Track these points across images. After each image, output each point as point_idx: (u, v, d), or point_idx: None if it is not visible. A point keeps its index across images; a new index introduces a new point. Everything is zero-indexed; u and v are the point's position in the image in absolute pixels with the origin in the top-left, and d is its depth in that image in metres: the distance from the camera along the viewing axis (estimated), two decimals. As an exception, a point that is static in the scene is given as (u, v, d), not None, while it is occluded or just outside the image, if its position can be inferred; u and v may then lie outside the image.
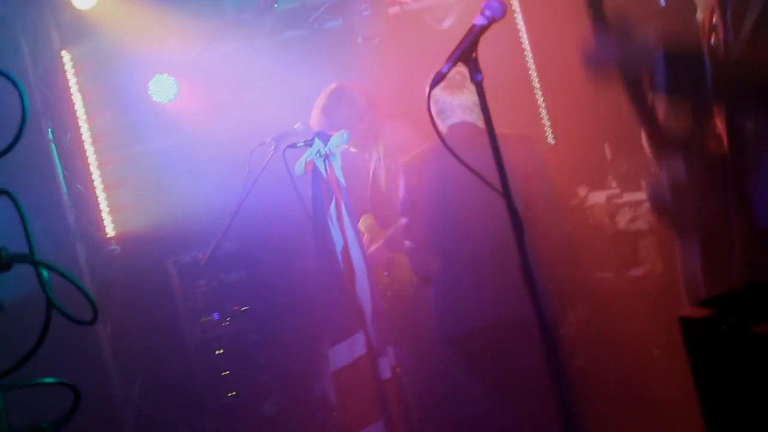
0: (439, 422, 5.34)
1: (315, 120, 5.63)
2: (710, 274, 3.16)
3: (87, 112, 6.74)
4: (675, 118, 3.30)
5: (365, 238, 5.82)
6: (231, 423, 6.46)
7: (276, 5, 7.04)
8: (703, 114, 3.20)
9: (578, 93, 6.41)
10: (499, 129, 3.03)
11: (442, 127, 4.54)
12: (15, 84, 1.75)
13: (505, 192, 2.95)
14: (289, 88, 6.67)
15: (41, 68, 6.62)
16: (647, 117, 3.31)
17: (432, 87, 3.00)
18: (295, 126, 5.38)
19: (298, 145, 4.93)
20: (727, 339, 1.59)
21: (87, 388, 6.19)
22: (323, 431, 6.20)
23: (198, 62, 7.04)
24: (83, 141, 6.67)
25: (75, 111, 6.67)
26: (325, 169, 4.84)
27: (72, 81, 6.70)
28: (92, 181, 6.65)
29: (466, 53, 2.97)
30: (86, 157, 6.66)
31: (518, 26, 7.49)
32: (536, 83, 7.42)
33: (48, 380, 1.81)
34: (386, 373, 4.74)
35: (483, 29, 2.99)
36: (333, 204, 4.82)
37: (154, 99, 6.91)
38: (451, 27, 7.04)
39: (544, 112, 7.36)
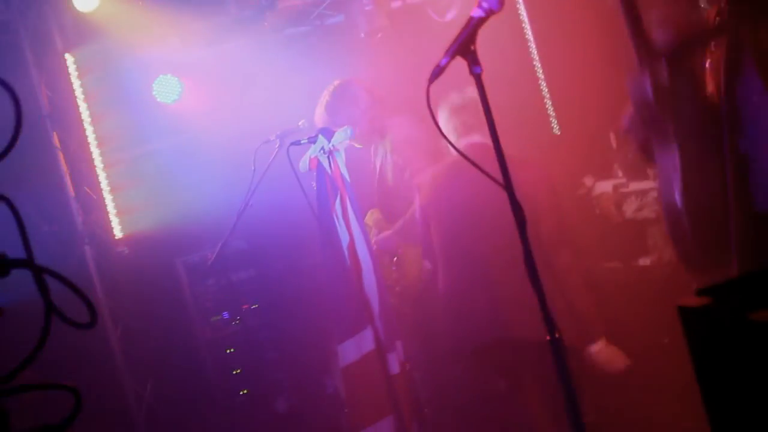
0: (449, 417, 5.35)
1: (319, 118, 5.65)
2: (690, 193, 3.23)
3: (92, 115, 6.75)
4: (662, 32, 3.40)
5: (372, 232, 5.82)
6: (243, 421, 6.48)
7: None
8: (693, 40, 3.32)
9: (582, 82, 6.44)
10: (509, 151, 3.04)
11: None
12: (5, 87, 1.74)
13: (507, 185, 2.95)
14: (292, 84, 6.68)
15: (45, 72, 6.64)
16: (635, 27, 3.49)
17: (431, 81, 2.98)
18: (299, 123, 5.38)
19: (302, 142, 4.94)
20: (725, 327, 1.59)
21: (98, 390, 6.21)
22: (336, 428, 6.20)
23: (201, 62, 7.05)
24: (89, 143, 6.69)
25: (80, 114, 6.69)
26: (330, 166, 4.84)
27: (76, 84, 6.71)
28: (99, 183, 6.67)
29: (464, 46, 2.96)
30: (92, 160, 6.68)
31: (521, 17, 7.46)
32: (540, 74, 7.39)
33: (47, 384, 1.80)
34: (395, 368, 4.75)
35: (481, 21, 2.97)
36: (338, 200, 4.82)
37: (158, 100, 6.92)
38: (454, 19, 7.01)
39: (548, 102, 7.33)
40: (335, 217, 4.81)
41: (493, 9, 2.95)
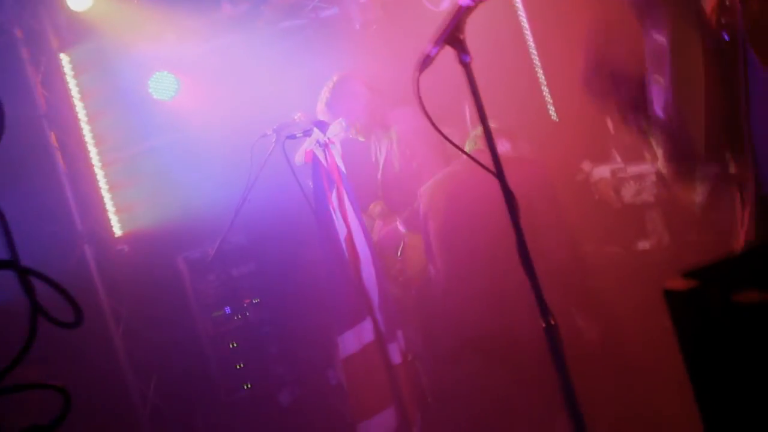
0: (452, 406, 5.35)
1: (320, 113, 5.68)
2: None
3: (89, 114, 6.76)
4: None
5: (376, 224, 5.83)
6: (248, 415, 6.49)
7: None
8: None
9: (579, 68, 6.42)
10: (506, 152, 3.04)
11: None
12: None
13: (499, 175, 2.94)
14: (289, 78, 6.68)
15: (41, 72, 6.65)
16: None
17: (419, 70, 2.97)
18: (296, 116, 5.37)
19: (297, 135, 4.94)
20: (710, 310, 1.58)
21: (102, 389, 6.22)
22: (340, 419, 6.21)
23: (197, 58, 7.04)
24: (86, 142, 6.69)
25: (77, 113, 6.69)
26: (325, 158, 4.84)
27: (72, 83, 6.72)
28: (97, 182, 6.68)
29: (453, 35, 2.94)
30: (90, 159, 6.68)
31: (516, 4, 7.44)
32: (537, 61, 7.37)
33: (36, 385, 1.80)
34: (396, 358, 4.76)
35: (469, 10, 2.95)
36: (334, 192, 4.82)
37: (155, 97, 6.92)
38: (449, 8, 6.99)
39: (545, 89, 7.32)
40: (332, 210, 4.81)
41: (481, -3, 2.93)
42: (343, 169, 4.88)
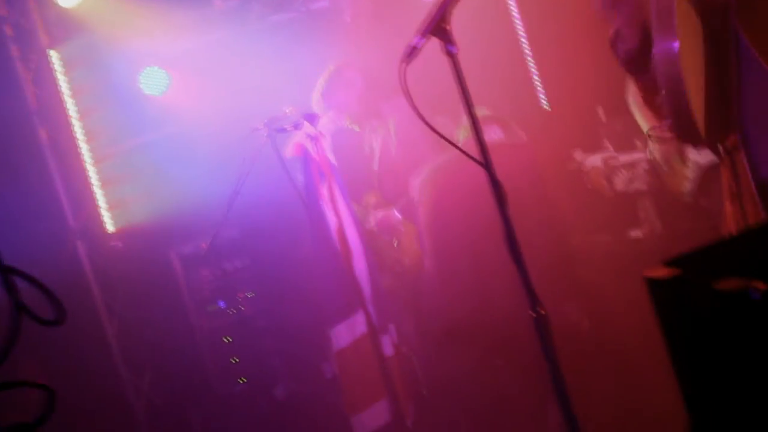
0: (448, 397, 5.36)
1: (316, 103, 5.69)
2: None
3: (80, 110, 6.74)
4: None
5: (372, 214, 5.83)
6: (243, 409, 6.49)
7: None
8: None
9: (570, 58, 6.42)
10: (498, 139, 3.03)
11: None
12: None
13: (486, 164, 2.94)
14: (280, 72, 6.66)
15: (31, 69, 6.62)
16: None
17: (406, 61, 2.97)
18: (286, 110, 5.37)
19: (287, 128, 4.94)
20: (691, 298, 1.59)
21: (97, 385, 6.20)
22: (335, 412, 6.21)
23: (188, 52, 7.03)
24: (77, 139, 6.67)
25: (67, 109, 6.68)
26: (315, 151, 4.84)
27: (62, 79, 6.70)
28: (89, 178, 6.66)
29: (438, 26, 2.94)
30: (81, 155, 6.67)
31: (507, -5, 7.45)
32: (528, 50, 7.37)
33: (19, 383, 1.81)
34: (389, 350, 4.76)
35: (455, 1, 2.95)
36: (325, 185, 4.82)
37: (146, 92, 6.91)
38: (436, -1, 6.96)
39: (537, 79, 7.32)
40: (323, 203, 4.81)
41: (466, -13, 2.93)
42: (333, 161, 4.88)
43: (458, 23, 2.96)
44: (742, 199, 3.45)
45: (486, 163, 2.94)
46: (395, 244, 5.67)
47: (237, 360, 6.64)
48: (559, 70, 6.76)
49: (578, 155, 6.25)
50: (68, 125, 6.67)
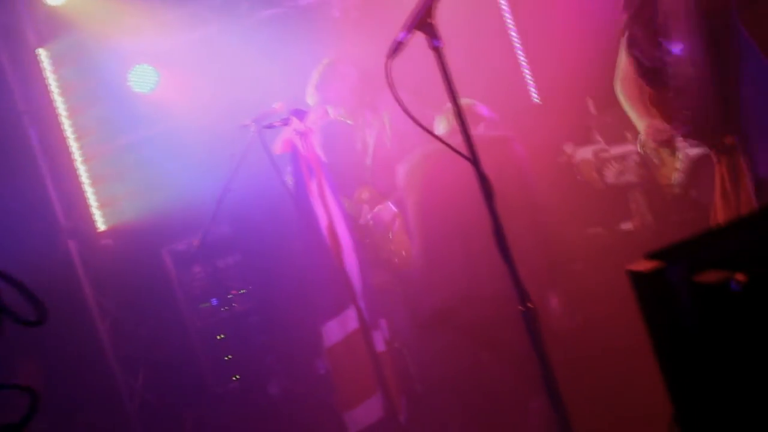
0: (441, 392, 5.36)
1: (310, 96, 5.68)
2: None
3: (69, 108, 6.73)
4: None
5: (365, 209, 5.82)
6: (237, 406, 6.49)
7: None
8: None
9: (559, 50, 6.42)
10: (477, 129, 3.02)
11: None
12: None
13: (474, 159, 2.93)
14: (269, 67, 6.64)
15: (20, 68, 6.61)
16: None
17: (391, 57, 2.96)
18: (275, 105, 5.36)
19: (276, 124, 4.92)
20: (672, 291, 1.59)
21: (91, 383, 6.19)
22: (328, 408, 6.21)
23: (176, 50, 7.00)
24: (67, 137, 6.66)
25: (57, 108, 6.66)
26: (304, 147, 4.83)
27: (51, 78, 6.68)
28: (79, 176, 6.65)
29: (423, 20, 2.93)
30: (72, 154, 6.66)
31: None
32: (517, 43, 7.35)
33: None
34: (380, 345, 4.76)
35: (438, -5, 2.94)
36: (314, 181, 4.81)
37: (135, 90, 6.89)
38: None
39: (527, 72, 7.31)
40: (312, 199, 4.80)
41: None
42: (322, 157, 4.87)
43: (447, 17, 2.95)
44: (738, 200, 3.46)
45: (473, 159, 2.93)
46: (391, 237, 5.66)
47: (230, 357, 6.64)
48: (549, 62, 6.75)
49: (569, 148, 6.25)
50: (58, 124, 6.66)
